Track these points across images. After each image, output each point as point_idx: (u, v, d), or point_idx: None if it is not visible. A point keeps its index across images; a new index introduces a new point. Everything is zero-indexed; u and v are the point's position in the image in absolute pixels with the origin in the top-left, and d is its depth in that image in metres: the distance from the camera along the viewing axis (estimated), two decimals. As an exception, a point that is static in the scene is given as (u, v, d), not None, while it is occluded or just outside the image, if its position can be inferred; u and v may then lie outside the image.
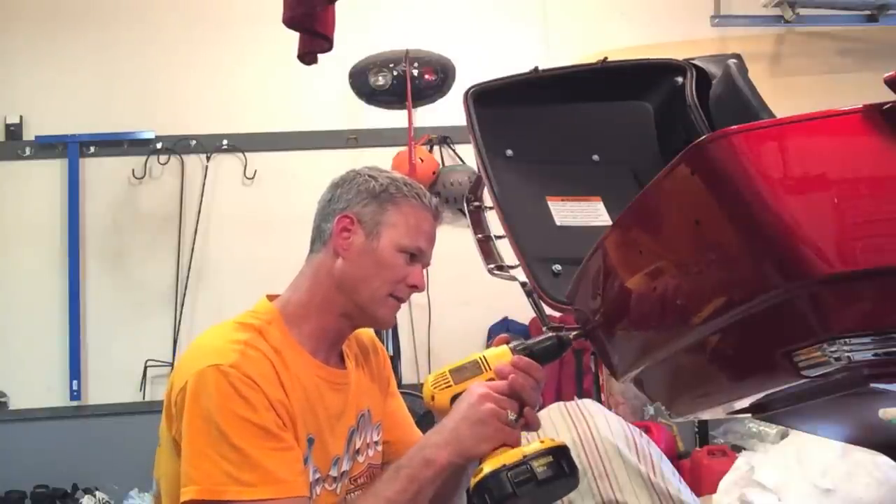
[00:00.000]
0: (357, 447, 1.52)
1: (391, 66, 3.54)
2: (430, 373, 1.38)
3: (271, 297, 1.52)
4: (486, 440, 1.25)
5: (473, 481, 1.23)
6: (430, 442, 1.31)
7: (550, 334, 1.34)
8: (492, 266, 1.60)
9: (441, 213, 1.55)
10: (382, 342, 3.84)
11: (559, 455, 1.23)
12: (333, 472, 1.45)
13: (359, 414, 1.53)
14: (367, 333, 1.68)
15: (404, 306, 1.54)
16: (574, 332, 1.33)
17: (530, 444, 1.25)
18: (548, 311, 1.45)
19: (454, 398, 1.30)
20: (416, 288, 1.50)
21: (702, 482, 2.91)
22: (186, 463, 1.29)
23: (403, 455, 1.37)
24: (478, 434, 1.25)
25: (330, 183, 1.55)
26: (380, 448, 1.59)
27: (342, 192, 1.51)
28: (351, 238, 1.47)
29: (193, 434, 1.29)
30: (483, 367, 1.32)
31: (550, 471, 1.21)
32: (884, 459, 1.88)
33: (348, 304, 1.47)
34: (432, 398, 1.32)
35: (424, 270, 1.53)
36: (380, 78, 3.55)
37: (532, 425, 1.30)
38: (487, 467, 1.22)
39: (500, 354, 1.32)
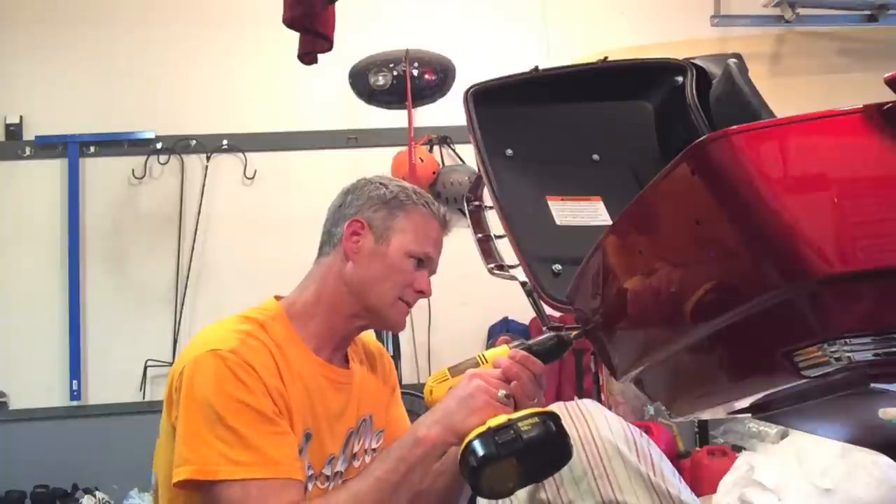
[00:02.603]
0: (354, 451, 1.52)
1: (391, 66, 3.54)
2: (430, 373, 1.39)
3: (278, 298, 1.54)
4: (474, 413, 1.25)
5: (460, 449, 1.22)
6: (421, 422, 1.32)
7: (551, 334, 1.34)
8: (492, 266, 1.60)
9: (449, 221, 1.57)
10: (382, 342, 3.83)
11: (547, 417, 1.21)
12: (327, 471, 1.45)
13: (360, 418, 1.54)
14: (373, 341, 1.70)
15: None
16: (574, 332, 1.33)
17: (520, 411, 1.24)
18: (548, 310, 1.45)
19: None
20: (423, 293, 1.52)
21: (702, 482, 2.91)
22: (182, 444, 1.31)
23: None
24: (467, 407, 1.25)
25: (340, 190, 1.58)
26: None
27: (353, 198, 1.54)
28: (361, 242, 1.49)
29: (189, 416, 1.31)
30: (480, 362, 1.33)
31: (537, 430, 1.18)
32: (884, 459, 1.87)
33: (358, 306, 1.49)
34: (430, 392, 1.34)
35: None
36: (380, 78, 3.55)
37: (520, 404, 1.28)
38: (473, 433, 1.21)
39: (499, 353, 1.33)
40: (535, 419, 1.19)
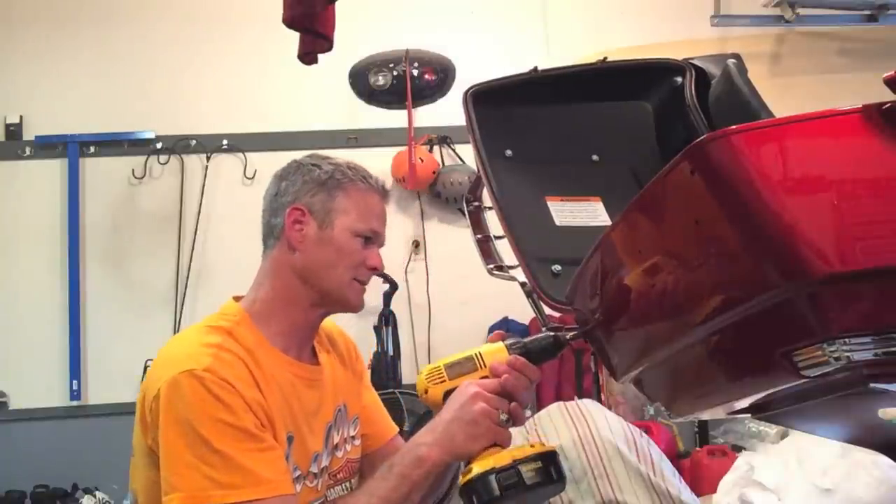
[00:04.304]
0: (335, 442, 1.52)
1: (391, 66, 3.55)
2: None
3: (237, 299, 1.52)
4: (477, 439, 1.25)
5: (462, 481, 1.23)
6: (423, 440, 1.31)
7: (548, 334, 1.34)
8: (491, 266, 1.60)
9: (388, 191, 1.56)
10: (382, 342, 3.82)
11: (548, 461, 1.24)
12: (314, 469, 1.45)
13: (336, 409, 1.53)
14: (335, 327, 1.68)
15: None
16: (572, 333, 1.33)
17: (521, 446, 1.25)
18: (548, 311, 1.44)
19: (447, 394, 1.31)
20: (376, 269, 1.51)
21: (702, 482, 2.91)
22: (167, 471, 1.28)
23: (386, 449, 1.39)
24: (469, 433, 1.25)
25: (273, 176, 1.55)
26: (357, 443, 1.59)
27: (287, 184, 1.51)
28: (304, 230, 1.47)
29: (171, 441, 1.28)
30: (478, 364, 1.32)
31: (538, 476, 1.21)
32: (884, 459, 1.87)
33: (315, 294, 1.47)
34: (426, 392, 1.33)
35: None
36: (380, 78, 3.56)
37: (517, 421, 1.30)
38: (477, 468, 1.22)
39: (496, 351, 1.32)
40: (538, 463, 1.22)
